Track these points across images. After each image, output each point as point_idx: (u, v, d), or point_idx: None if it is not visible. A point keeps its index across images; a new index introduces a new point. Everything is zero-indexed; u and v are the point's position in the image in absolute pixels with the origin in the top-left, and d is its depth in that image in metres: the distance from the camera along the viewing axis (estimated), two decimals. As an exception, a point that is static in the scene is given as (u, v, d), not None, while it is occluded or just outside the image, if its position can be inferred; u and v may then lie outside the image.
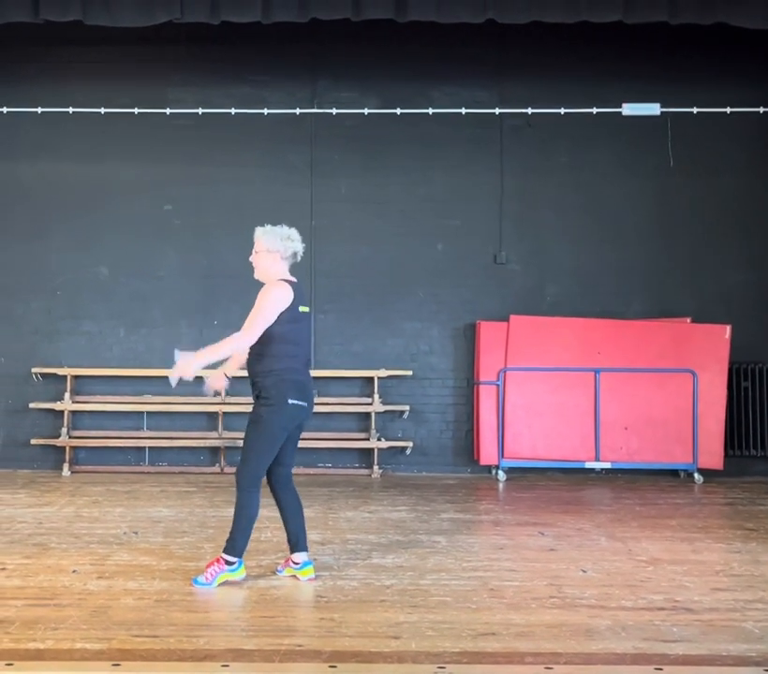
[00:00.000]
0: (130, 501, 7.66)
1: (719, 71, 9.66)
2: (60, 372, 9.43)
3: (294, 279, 5.08)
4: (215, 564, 4.94)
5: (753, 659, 3.84)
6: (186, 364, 4.84)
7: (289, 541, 5.10)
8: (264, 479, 5.02)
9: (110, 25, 8.01)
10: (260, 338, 4.89)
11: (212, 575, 4.90)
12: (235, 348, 4.99)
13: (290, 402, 4.91)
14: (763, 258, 9.69)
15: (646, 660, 3.82)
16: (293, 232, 5.10)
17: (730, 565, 5.50)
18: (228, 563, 4.92)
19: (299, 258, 5.14)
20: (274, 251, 5.02)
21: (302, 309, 5.01)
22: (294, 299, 4.94)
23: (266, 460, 4.94)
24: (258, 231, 5.10)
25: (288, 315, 4.91)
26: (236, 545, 4.93)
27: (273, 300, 4.87)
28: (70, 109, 9.58)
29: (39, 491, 8.12)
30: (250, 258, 5.12)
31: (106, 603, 4.58)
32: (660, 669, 3.71)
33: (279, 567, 5.21)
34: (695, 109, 9.58)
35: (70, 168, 9.69)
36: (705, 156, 9.71)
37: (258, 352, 4.96)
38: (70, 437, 9.36)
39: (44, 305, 9.67)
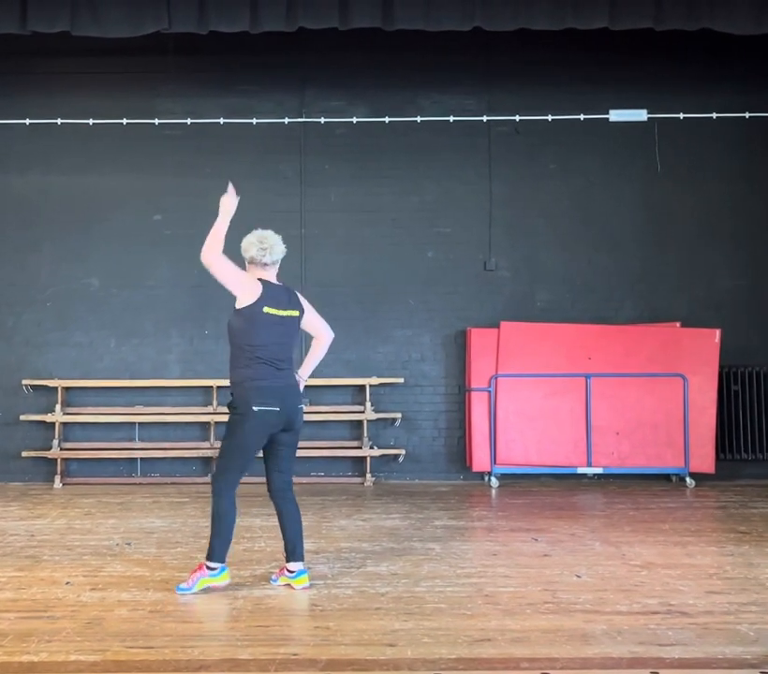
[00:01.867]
0: (123, 512, 7.63)
1: (705, 77, 9.72)
2: (51, 383, 9.40)
3: (277, 282, 5.15)
4: (198, 570, 5.00)
5: (748, 662, 3.84)
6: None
7: (285, 549, 5.09)
8: (266, 487, 5.13)
9: (98, 36, 8.00)
10: (229, 338, 5.11)
11: (193, 580, 4.96)
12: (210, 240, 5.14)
13: (255, 408, 4.93)
14: (752, 262, 9.74)
15: (642, 664, 3.83)
16: (253, 235, 5.19)
17: (723, 569, 5.51)
18: (209, 568, 4.97)
19: (261, 261, 5.13)
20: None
21: (269, 310, 5.02)
22: (259, 298, 5.00)
23: (238, 466, 5.03)
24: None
25: (247, 311, 5.00)
26: (214, 550, 4.97)
27: (237, 273, 5.05)
28: (59, 121, 9.59)
29: (31, 504, 8.09)
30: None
31: (100, 614, 4.56)
32: (656, 673, 3.71)
33: (274, 576, 5.20)
34: (682, 115, 9.65)
35: (59, 180, 9.69)
36: (693, 162, 9.77)
37: (230, 360, 5.12)
38: (62, 449, 9.33)
39: (34, 317, 9.65)
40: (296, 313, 5.14)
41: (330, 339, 5.35)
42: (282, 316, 5.06)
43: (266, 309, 5.01)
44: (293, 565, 5.05)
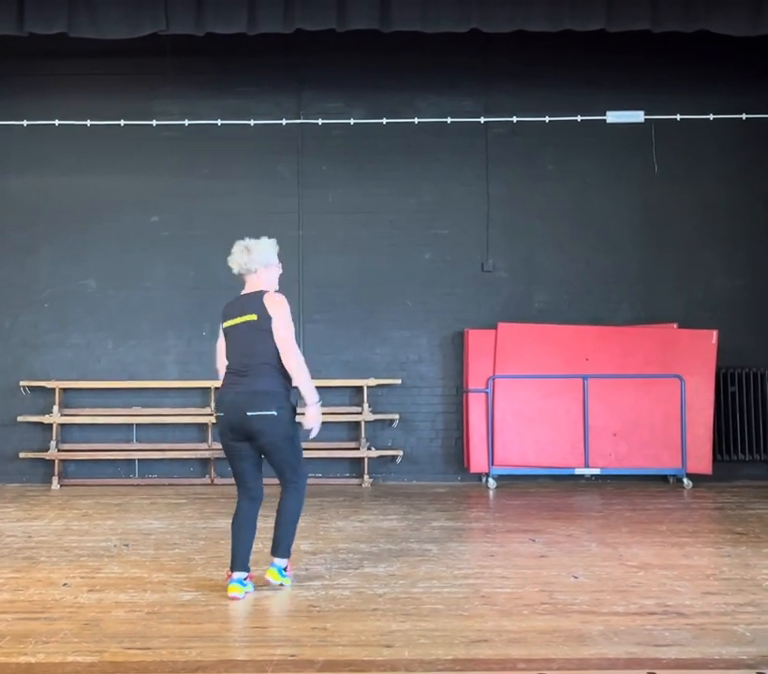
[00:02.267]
0: (120, 513, 7.63)
1: (702, 79, 9.73)
2: (48, 384, 9.41)
3: (253, 291, 5.07)
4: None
5: (745, 662, 3.85)
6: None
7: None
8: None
9: (96, 37, 8.01)
10: None
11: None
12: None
13: (216, 415, 5.06)
14: (749, 263, 9.76)
15: (639, 664, 3.83)
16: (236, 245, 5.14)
17: (720, 569, 5.52)
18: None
19: (236, 271, 5.12)
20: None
21: (225, 324, 5.06)
22: (221, 318, 5.10)
23: (232, 470, 5.08)
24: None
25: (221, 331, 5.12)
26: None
27: None
28: (56, 122, 9.60)
29: (29, 505, 8.09)
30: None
31: (97, 616, 4.56)
32: (653, 673, 3.72)
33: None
34: (678, 117, 9.67)
35: (57, 181, 9.69)
36: (689, 163, 9.78)
37: None
38: (59, 450, 9.33)
39: (32, 318, 9.65)
40: (252, 317, 4.93)
41: (293, 365, 4.89)
42: (236, 325, 4.99)
43: (223, 325, 5.09)
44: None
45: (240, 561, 4.94)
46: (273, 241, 5.15)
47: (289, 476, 5.02)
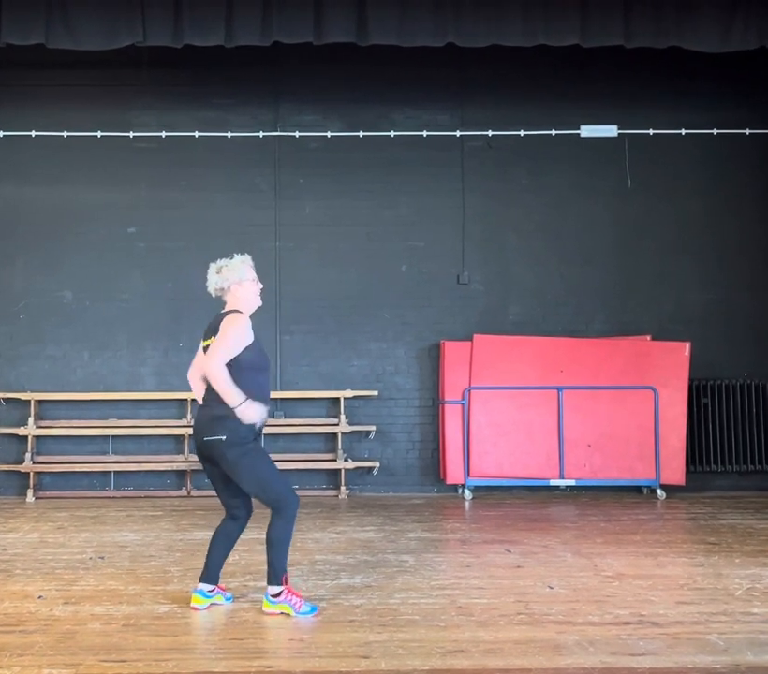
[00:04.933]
0: (96, 526, 7.60)
1: (674, 94, 9.88)
2: (23, 396, 9.35)
3: (224, 311, 5.00)
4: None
5: (718, 671, 3.90)
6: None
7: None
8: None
9: (73, 49, 8.01)
10: None
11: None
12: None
13: None
14: (721, 276, 9.88)
15: (614, 674, 3.87)
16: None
17: (693, 579, 5.57)
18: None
19: (213, 294, 5.05)
20: None
21: (200, 348, 5.00)
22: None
23: None
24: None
25: None
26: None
27: None
28: (33, 133, 9.58)
29: (3, 518, 8.03)
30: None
31: (73, 628, 4.54)
32: (627, 683, 3.76)
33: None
34: (651, 131, 9.80)
35: (33, 192, 9.67)
36: (662, 177, 9.91)
37: None
38: (34, 462, 9.27)
39: (7, 330, 9.60)
40: (210, 341, 4.85)
41: (207, 371, 4.71)
42: (204, 347, 4.94)
43: (202, 344, 5.01)
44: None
45: (207, 572, 4.95)
46: (245, 258, 5.05)
47: (266, 500, 4.81)
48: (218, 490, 5.00)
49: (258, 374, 4.86)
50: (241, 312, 4.93)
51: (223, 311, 4.97)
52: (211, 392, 4.82)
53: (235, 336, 4.78)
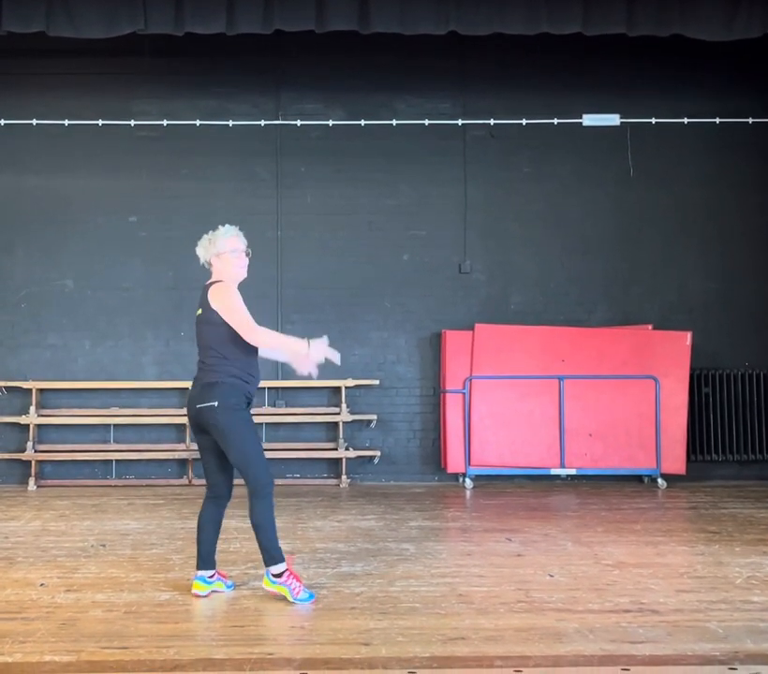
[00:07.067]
0: (98, 514, 7.61)
1: (677, 83, 9.84)
2: (25, 385, 9.36)
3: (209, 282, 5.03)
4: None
5: (717, 658, 3.91)
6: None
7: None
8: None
9: (74, 37, 7.99)
10: None
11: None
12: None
13: None
14: (723, 266, 9.86)
15: (613, 661, 3.88)
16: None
17: (693, 568, 5.58)
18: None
19: (201, 263, 5.09)
20: None
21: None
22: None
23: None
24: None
25: None
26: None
27: None
28: (34, 122, 9.56)
29: (5, 506, 8.05)
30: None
31: (74, 615, 4.55)
32: (627, 670, 3.76)
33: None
34: (654, 120, 9.77)
35: (35, 181, 9.65)
36: (665, 166, 9.88)
37: None
38: (36, 451, 9.29)
39: (8, 319, 9.60)
40: (199, 311, 4.93)
41: (258, 342, 4.81)
42: (196, 319, 5.00)
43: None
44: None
45: (201, 559, 4.96)
46: (228, 229, 5.04)
47: (246, 474, 4.77)
48: (207, 463, 4.96)
49: (248, 351, 4.87)
50: (222, 281, 4.94)
51: (208, 282, 5.00)
52: (201, 362, 4.91)
53: (231, 301, 4.82)
